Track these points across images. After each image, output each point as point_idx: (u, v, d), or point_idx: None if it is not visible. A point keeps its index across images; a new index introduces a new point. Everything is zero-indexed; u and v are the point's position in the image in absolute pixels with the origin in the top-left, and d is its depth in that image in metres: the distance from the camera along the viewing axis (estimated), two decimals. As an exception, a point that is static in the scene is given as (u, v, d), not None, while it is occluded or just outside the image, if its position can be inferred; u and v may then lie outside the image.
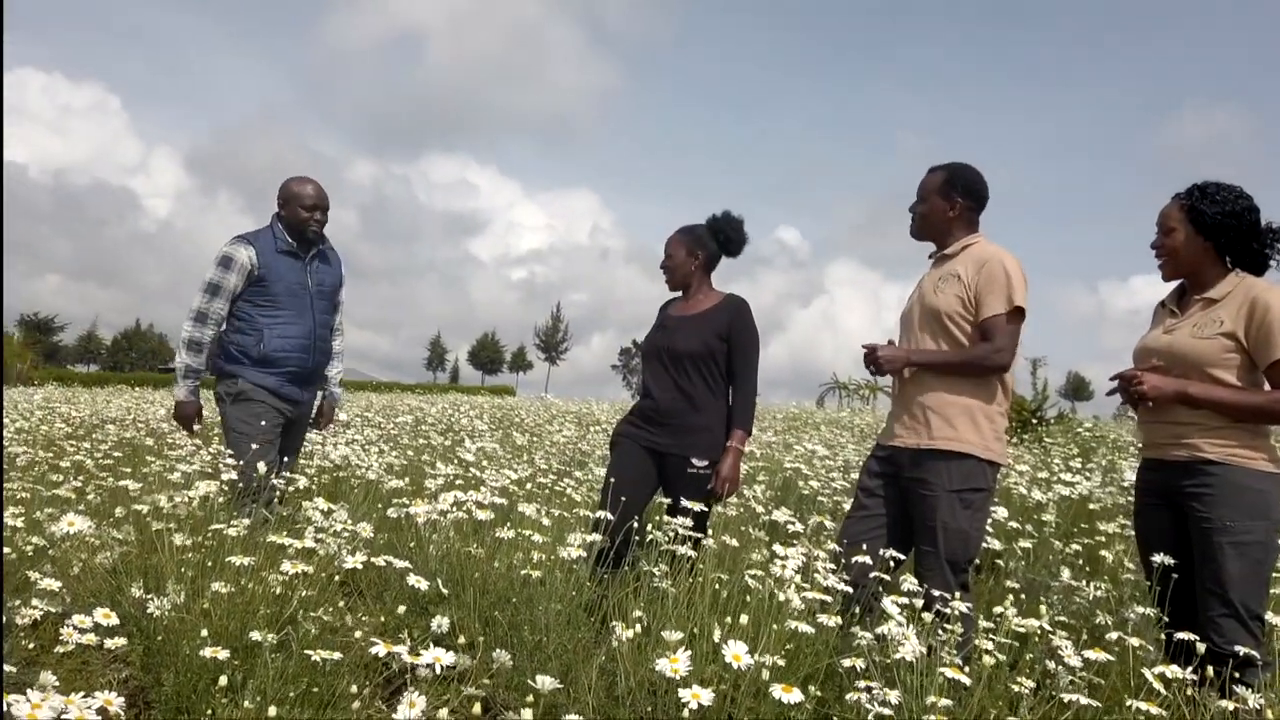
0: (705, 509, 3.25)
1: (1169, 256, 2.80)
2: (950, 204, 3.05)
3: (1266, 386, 2.66)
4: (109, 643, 2.21)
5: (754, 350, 3.54)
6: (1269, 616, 2.64)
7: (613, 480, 3.36)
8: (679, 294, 3.71)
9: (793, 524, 3.32)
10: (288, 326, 3.94)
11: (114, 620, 2.20)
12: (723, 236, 3.66)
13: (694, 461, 3.35)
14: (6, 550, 2.73)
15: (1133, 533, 4.02)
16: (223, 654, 1.97)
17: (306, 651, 2.05)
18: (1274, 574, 2.74)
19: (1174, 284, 2.90)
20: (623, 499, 3.28)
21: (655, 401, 3.53)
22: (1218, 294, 2.71)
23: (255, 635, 2.02)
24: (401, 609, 2.36)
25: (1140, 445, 2.95)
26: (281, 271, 3.92)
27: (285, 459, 4.05)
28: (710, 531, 3.36)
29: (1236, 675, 2.39)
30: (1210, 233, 2.72)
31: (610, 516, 3.10)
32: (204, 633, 2.03)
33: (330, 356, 4.22)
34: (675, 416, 3.48)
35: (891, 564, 2.89)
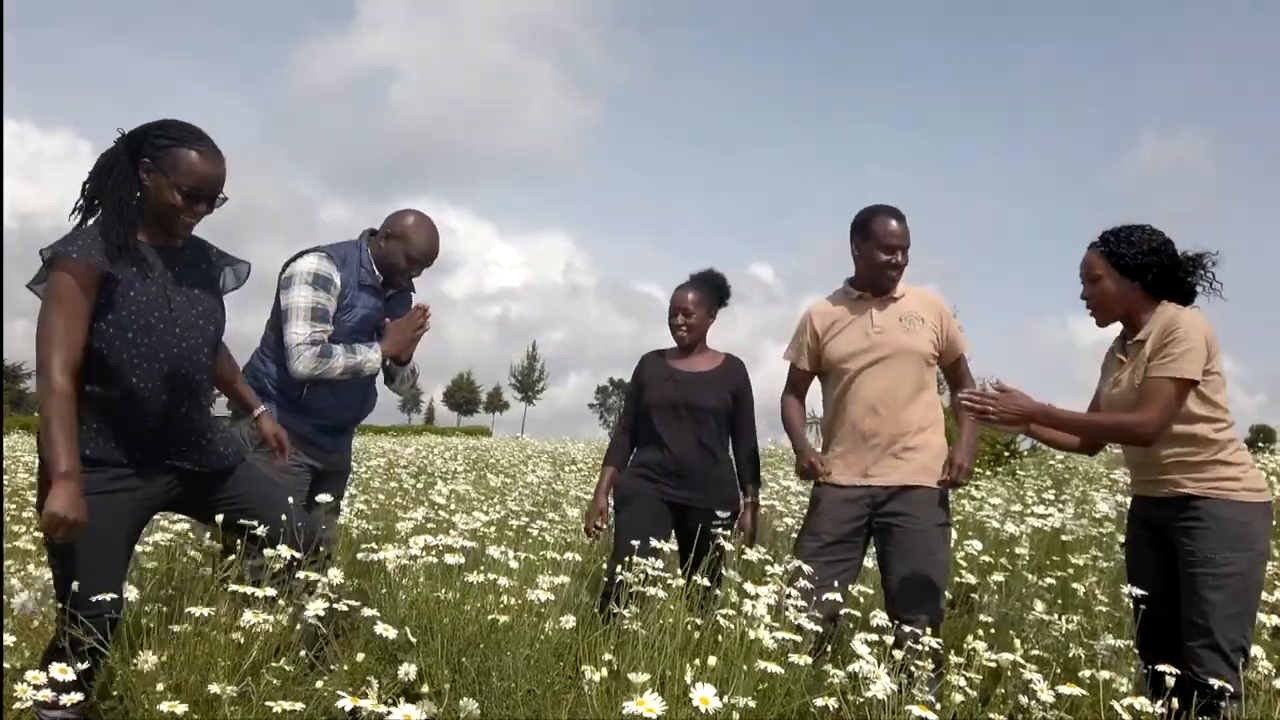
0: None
1: (1100, 303, 2.82)
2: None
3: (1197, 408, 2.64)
4: (64, 699, 2.14)
5: (753, 410, 3.69)
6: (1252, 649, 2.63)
7: (636, 529, 3.30)
8: (672, 348, 3.68)
9: (768, 563, 3.31)
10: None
11: (70, 676, 2.14)
12: (728, 297, 3.73)
13: (718, 514, 3.39)
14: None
15: (1104, 565, 4.07)
16: (180, 708, 1.92)
17: (268, 703, 2.01)
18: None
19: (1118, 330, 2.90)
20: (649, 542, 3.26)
21: (675, 455, 3.54)
22: (1144, 334, 2.74)
23: (214, 688, 1.97)
24: (361, 655, 2.31)
25: (1128, 483, 3.00)
26: (358, 308, 3.17)
27: (325, 528, 3.08)
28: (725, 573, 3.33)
29: (1207, 707, 2.38)
30: (1135, 273, 2.76)
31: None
32: (159, 686, 1.98)
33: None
34: (699, 470, 3.53)
35: (860, 600, 2.89)
